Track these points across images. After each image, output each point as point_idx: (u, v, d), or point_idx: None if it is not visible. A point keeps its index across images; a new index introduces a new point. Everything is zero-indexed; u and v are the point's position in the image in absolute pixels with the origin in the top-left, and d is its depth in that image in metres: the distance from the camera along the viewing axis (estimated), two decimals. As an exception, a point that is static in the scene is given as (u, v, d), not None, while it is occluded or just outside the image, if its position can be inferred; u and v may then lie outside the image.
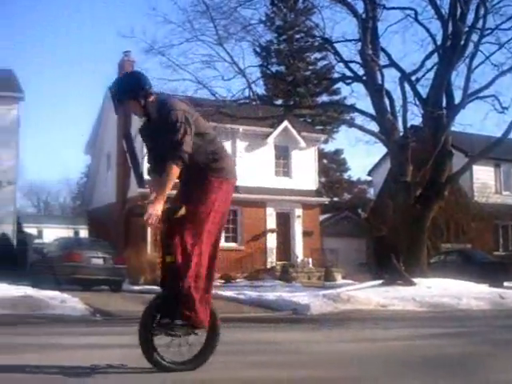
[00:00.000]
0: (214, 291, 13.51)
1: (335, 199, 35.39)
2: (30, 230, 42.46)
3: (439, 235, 27.66)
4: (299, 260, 27.68)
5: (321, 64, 34.39)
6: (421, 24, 20.22)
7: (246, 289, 17.74)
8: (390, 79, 29.18)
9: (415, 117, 20.95)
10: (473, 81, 19.67)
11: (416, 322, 9.97)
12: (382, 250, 22.11)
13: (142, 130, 5.05)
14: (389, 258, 16.29)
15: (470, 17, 19.18)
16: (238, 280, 24.09)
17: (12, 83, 25.60)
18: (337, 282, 23.71)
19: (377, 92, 19.18)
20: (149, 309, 4.67)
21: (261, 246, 27.10)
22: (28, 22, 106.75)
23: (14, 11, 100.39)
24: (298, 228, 28.32)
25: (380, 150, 34.18)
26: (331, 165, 46.64)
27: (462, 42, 19.03)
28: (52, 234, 51.13)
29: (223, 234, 26.51)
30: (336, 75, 24.19)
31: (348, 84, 21.74)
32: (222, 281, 23.79)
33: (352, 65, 20.63)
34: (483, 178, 31.59)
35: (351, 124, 24.22)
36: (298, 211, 28.41)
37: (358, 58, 20.28)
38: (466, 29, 19.05)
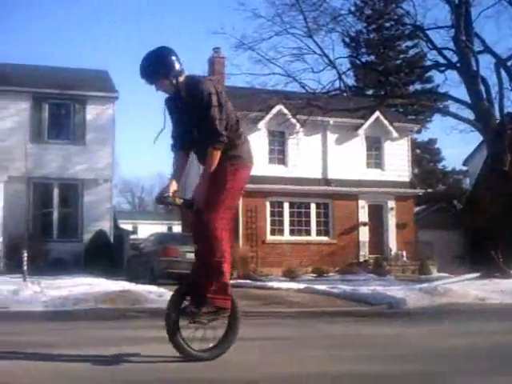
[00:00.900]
0: (307, 285, 13.43)
1: (429, 190, 34.49)
2: (126, 226, 43.64)
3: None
4: (393, 253, 27.19)
5: (412, 52, 33.64)
6: (515, 8, 19.43)
7: (338, 283, 17.59)
8: (485, 65, 28.20)
9: (512, 103, 20.19)
10: None
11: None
12: (479, 242, 21.37)
13: (168, 101, 4.91)
14: (486, 250, 15.75)
15: None
16: (330, 274, 23.91)
17: (107, 84, 26.38)
18: (432, 276, 23.14)
19: (472, 79, 18.56)
20: (175, 296, 4.76)
21: (353, 240, 26.80)
22: (120, 23, 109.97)
23: (105, 13, 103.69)
24: (391, 220, 27.82)
25: (476, 138, 33.13)
26: (425, 155, 45.53)
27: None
28: (146, 229, 52.43)
29: (314, 228, 26.44)
30: (428, 63, 23.62)
31: (441, 71, 21.16)
32: (314, 274, 23.70)
33: (445, 52, 20.05)
34: None
35: (445, 112, 23.58)
36: (391, 203, 27.90)
37: (451, 45, 19.72)
38: None
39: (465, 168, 40.22)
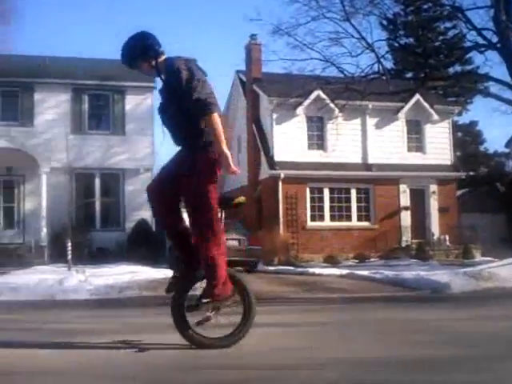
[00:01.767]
0: (349, 271, 13.30)
1: (472, 173, 33.87)
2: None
3: None
4: (435, 237, 26.85)
5: (451, 33, 32.98)
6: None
7: (381, 268, 17.44)
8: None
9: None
10: None
11: None
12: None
13: (160, 91, 4.99)
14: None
15: None
16: (371, 259, 23.75)
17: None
18: (476, 260, 22.79)
19: (513, 59, 18.14)
20: (184, 281, 4.89)
21: (394, 224, 26.53)
22: (155, 12, 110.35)
23: (140, 2, 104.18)
24: (433, 204, 27.45)
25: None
26: (466, 138, 44.79)
27: None
28: (186, 218, 52.82)
29: (355, 213, 26.26)
30: (468, 44, 23.12)
31: (481, 52, 20.67)
32: (356, 260, 23.59)
33: (485, 32, 19.61)
34: None
35: (487, 94, 23.09)
36: (433, 187, 27.52)
37: (490, 25, 19.24)
38: None
39: (507, 150, 39.46)
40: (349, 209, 26.14)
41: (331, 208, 25.88)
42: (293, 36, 20.22)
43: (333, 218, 25.83)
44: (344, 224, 25.77)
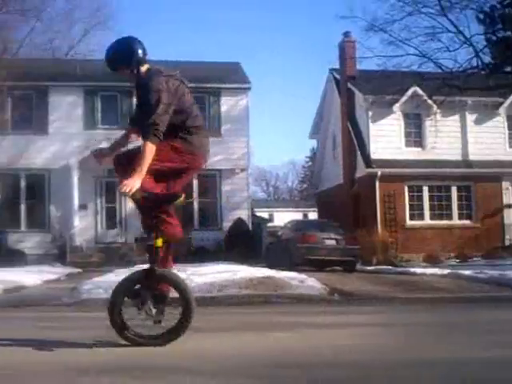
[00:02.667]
0: (451, 270, 12.87)
1: None
2: (262, 214, 44.31)
3: None
4: (541, 236, 25.72)
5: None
6: None
7: (484, 267, 16.83)
8: None
9: None
10: None
11: None
12: None
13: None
14: None
15: None
16: (474, 259, 23.00)
17: (240, 75, 26.81)
18: None
19: None
20: (121, 283, 4.82)
21: (497, 223, 25.57)
22: (248, 12, 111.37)
23: (234, 5, 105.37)
24: (538, 202, 26.29)
25: None
26: None
27: None
28: (282, 217, 52.99)
29: (456, 211, 25.50)
30: None
31: None
32: (457, 259, 22.92)
33: None
34: None
35: None
36: (538, 184, 26.37)
37: None
38: None
39: None
40: (449, 207, 25.41)
41: (431, 206, 25.23)
42: (388, 32, 20.00)
43: (433, 217, 25.18)
44: (444, 223, 25.07)
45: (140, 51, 4.82)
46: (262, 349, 4.85)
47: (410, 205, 25.04)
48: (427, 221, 25.06)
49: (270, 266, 15.95)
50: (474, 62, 19.78)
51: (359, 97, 25.89)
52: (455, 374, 3.85)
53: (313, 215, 48.94)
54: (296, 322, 6.69)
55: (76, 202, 23.89)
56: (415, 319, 7.12)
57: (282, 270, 13.58)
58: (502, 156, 25.96)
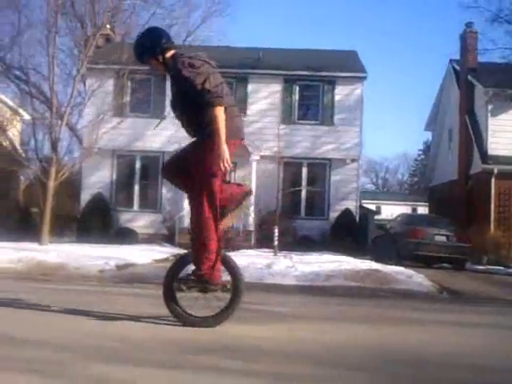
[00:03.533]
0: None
1: None
2: (370, 206, 43.75)
3: None
4: None
5: None
6: None
7: None
8: None
9: None
10: None
11: None
12: None
13: (171, 86, 5.01)
14: None
15: None
16: None
17: (356, 64, 26.46)
18: None
19: None
20: (175, 263, 5.11)
21: None
22: (368, 5, 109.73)
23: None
24: None
25: None
26: None
27: None
28: (389, 210, 52.16)
29: None
30: None
31: None
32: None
33: None
34: None
35: None
36: None
37: None
38: None
39: None
40: None
41: (548, 205, 23.95)
42: (514, 24, 19.08)
43: (550, 216, 23.90)
44: None
45: (163, 40, 4.91)
46: (370, 341, 4.78)
47: (526, 204, 23.88)
48: (544, 220, 23.82)
49: (376, 259, 15.73)
50: None
51: (479, 89, 24.89)
52: None
53: (422, 210, 47.88)
54: (405, 317, 6.56)
55: (187, 184, 24.41)
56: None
57: (389, 263, 13.34)
58: None
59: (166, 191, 25.01)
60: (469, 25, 26.54)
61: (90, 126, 21.99)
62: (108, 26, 27.06)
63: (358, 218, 25.06)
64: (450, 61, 28.50)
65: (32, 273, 9.46)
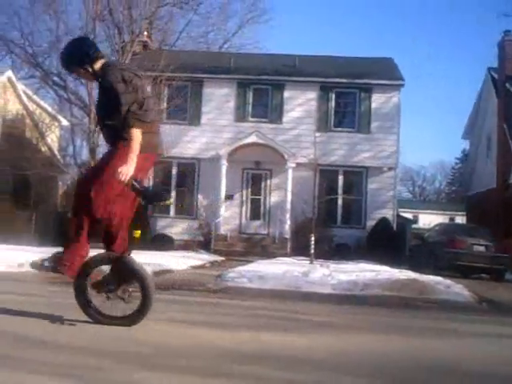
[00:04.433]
0: None
1: None
2: (406, 214, 43.30)
3: None
4: None
5: None
6: None
7: None
8: None
9: None
10: None
11: None
12: None
13: (98, 92, 5.13)
14: None
15: None
16: None
17: (392, 71, 26.29)
18: None
19: None
20: (86, 263, 5.00)
21: None
22: (401, 8, 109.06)
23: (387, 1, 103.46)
24: None
25: None
26: None
27: None
28: (427, 219, 51.60)
29: None
30: None
31: None
32: None
33: None
34: None
35: None
36: None
37: None
38: None
39: None
40: None
41: None
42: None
43: None
44: None
45: (89, 49, 4.96)
46: (408, 351, 4.70)
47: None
48: None
49: (413, 269, 15.53)
50: None
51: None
52: None
53: (460, 219, 47.24)
54: (444, 328, 6.45)
55: (223, 191, 24.51)
56: None
57: (427, 273, 13.15)
58: None
59: (203, 198, 25.12)
60: (507, 33, 26.29)
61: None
62: (145, 33, 27.31)
63: (395, 227, 24.82)
64: (488, 69, 28.23)
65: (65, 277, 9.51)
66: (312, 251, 16.82)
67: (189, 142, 25.23)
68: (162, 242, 23.10)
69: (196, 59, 26.11)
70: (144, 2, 23.48)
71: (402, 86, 25.65)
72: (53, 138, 26.94)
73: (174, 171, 25.88)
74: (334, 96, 25.73)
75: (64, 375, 3.36)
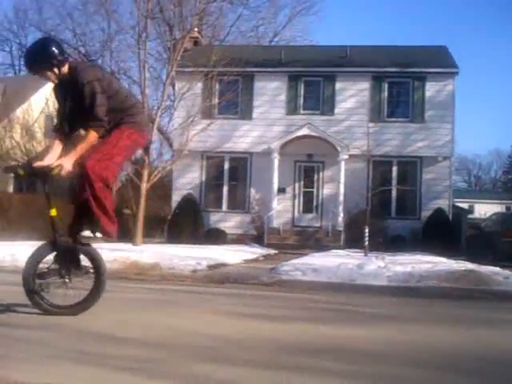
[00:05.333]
0: None
1: None
2: (462, 204, 42.59)
3: None
4: None
5: None
6: None
7: None
8: None
9: None
10: None
11: None
12: None
13: (55, 88, 5.06)
14: None
15: None
16: None
17: (446, 59, 25.84)
18: None
19: None
20: (35, 252, 4.96)
21: None
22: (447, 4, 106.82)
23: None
24: None
25: None
26: None
27: None
28: (483, 208, 50.64)
29: None
30: None
31: None
32: None
33: None
34: None
35: None
36: None
37: None
38: None
39: None
40: None
41: None
42: None
43: None
44: None
45: (56, 50, 4.87)
46: (464, 343, 4.66)
47: None
48: None
49: (470, 260, 15.28)
50: None
51: None
52: None
53: (518, 208, 46.20)
54: (502, 319, 6.35)
55: (275, 185, 24.53)
56: None
57: (484, 264, 12.93)
58: None
59: (255, 192, 25.20)
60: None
61: (180, 128, 22.43)
62: (196, 29, 27.48)
63: (450, 218, 24.43)
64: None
65: (127, 272, 9.71)
66: (366, 243, 16.72)
67: (241, 137, 25.33)
68: (215, 237, 23.29)
69: (246, 53, 26.15)
70: (194, -1, 23.58)
71: (457, 73, 25.19)
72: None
73: (226, 166, 26.01)
74: (386, 86, 25.43)
75: (125, 368, 3.43)
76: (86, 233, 5.02)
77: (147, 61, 20.86)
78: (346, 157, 24.00)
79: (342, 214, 23.50)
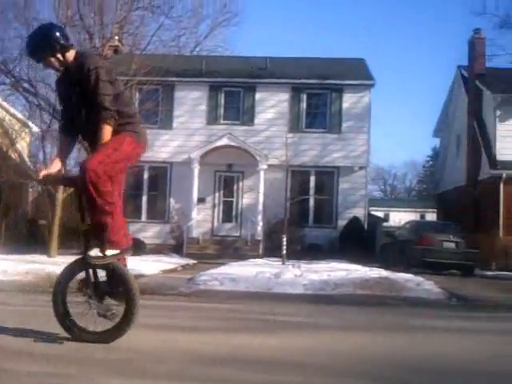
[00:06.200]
0: None
1: None
2: (377, 213, 43.59)
3: None
4: None
5: None
6: None
7: None
8: None
9: None
10: None
11: None
12: None
13: (58, 83, 4.86)
14: None
15: None
16: None
17: (363, 72, 26.50)
18: None
19: None
20: (65, 271, 4.67)
21: None
22: (375, 12, 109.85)
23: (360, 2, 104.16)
24: None
25: None
26: None
27: None
28: (398, 217, 51.91)
29: None
30: None
31: None
32: None
33: None
34: None
35: None
36: None
37: None
38: None
39: None
40: None
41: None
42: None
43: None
44: None
45: (60, 35, 4.63)
46: (379, 349, 4.79)
47: (534, 208, 23.74)
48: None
49: (385, 267, 15.71)
50: None
51: (487, 95, 24.84)
52: None
53: (430, 216, 47.68)
54: (413, 324, 6.56)
55: (195, 194, 24.50)
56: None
57: (397, 271, 13.32)
58: None
59: (175, 201, 25.09)
60: (477, 31, 26.56)
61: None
62: (116, 38, 27.13)
63: (366, 226, 25.03)
64: (458, 67, 28.49)
65: (40, 285, 9.45)
66: (284, 252, 16.92)
67: (161, 146, 25.15)
68: (133, 247, 22.93)
69: (167, 63, 25.95)
70: (115, 7, 23.29)
71: (373, 86, 25.88)
72: (23, 145, 26.63)
73: (146, 175, 25.79)
74: (305, 97, 25.86)
75: None
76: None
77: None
78: (265, 167, 24.24)
79: (261, 223, 23.68)
